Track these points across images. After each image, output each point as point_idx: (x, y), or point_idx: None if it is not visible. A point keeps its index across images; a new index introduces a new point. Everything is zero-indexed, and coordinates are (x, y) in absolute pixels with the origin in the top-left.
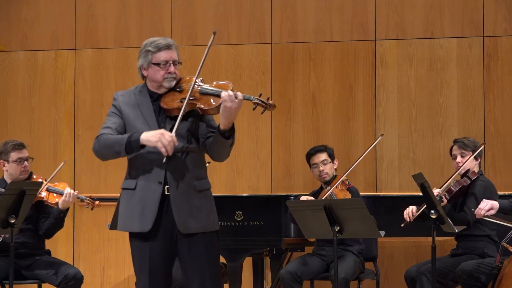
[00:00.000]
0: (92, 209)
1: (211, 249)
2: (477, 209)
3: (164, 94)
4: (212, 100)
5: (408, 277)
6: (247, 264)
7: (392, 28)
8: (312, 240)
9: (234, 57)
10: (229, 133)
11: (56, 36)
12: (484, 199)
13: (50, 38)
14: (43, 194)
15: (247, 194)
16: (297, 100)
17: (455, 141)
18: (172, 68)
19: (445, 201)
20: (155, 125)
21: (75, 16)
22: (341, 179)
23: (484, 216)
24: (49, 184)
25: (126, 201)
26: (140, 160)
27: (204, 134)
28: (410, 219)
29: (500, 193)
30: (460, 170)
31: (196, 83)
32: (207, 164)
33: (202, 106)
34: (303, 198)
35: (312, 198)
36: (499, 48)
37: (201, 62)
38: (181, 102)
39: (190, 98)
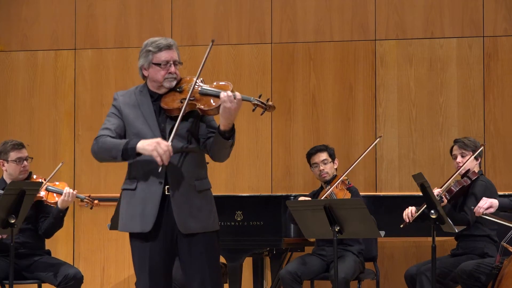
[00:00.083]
0: (91, 208)
1: (211, 249)
2: (476, 207)
3: (165, 94)
4: (212, 101)
5: (408, 277)
6: (247, 264)
7: (392, 28)
8: (312, 240)
9: (234, 57)
10: (229, 134)
11: (56, 36)
12: (484, 197)
13: (50, 38)
14: (42, 193)
15: (247, 194)
16: (297, 100)
17: (456, 141)
18: (172, 68)
19: (446, 201)
20: (155, 125)
21: (75, 16)
22: (341, 178)
23: (483, 214)
24: (48, 183)
25: (127, 202)
26: (141, 160)
27: (205, 135)
28: (409, 220)
29: (500, 193)
30: (460, 170)
31: (197, 84)
32: (206, 164)
33: (202, 106)
34: (301, 199)
35: (309, 199)
36: (499, 48)
37: (201, 65)
38: (182, 102)
39: (190, 98)
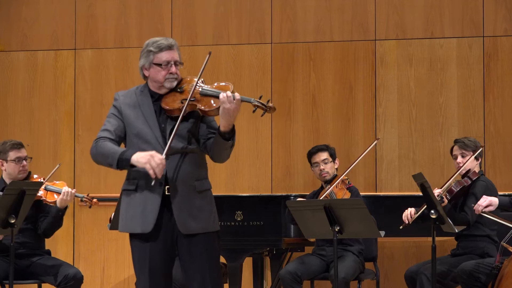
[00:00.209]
0: (90, 207)
1: (211, 250)
2: (476, 205)
3: (165, 95)
4: (212, 102)
5: (408, 277)
6: (247, 264)
7: (392, 28)
8: (312, 240)
9: (234, 57)
10: (229, 135)
11: (56, 36)
12: (484, 196)
13: (50, 38)
14: (41, 193)
15: (247, 194)
16: (297, 100)
17: (456, 141)
18: (173, 69)
19: (446, 201)
20: (155, 126)
21: (75, 16)
22: (341, 178)
23: (482, 212)
24: (47, 183)
25: (127, 202)
26: None
27: (205, 135)
28: (408, 221)
29: (500, 193)
30: (461, 170)
31: (197, 84)
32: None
33: (203, 107)
34: (298, 200)
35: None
36: (499, 48)
37: (201, 70)
38: (182, 103)
39: (191, 99)
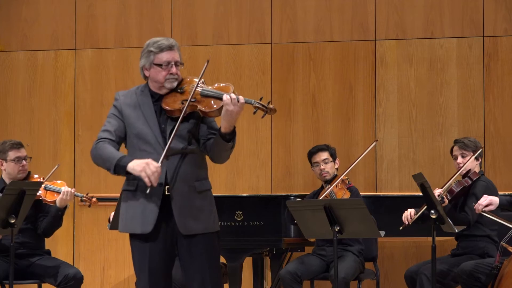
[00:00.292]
0: (89, 206)
1: (212, 250)
2: (476, 204)
3: (166, 95)
4: (213, 103)
5: (408, 277)
6: (247, 264)
7: (392, 28)
8: (312, 240)
9: (234, 57)
10: (230, 136)
11: (56, 36)
12: (484, 195)
13: (50, 38)
14: (40, 192)
15: (247, 194)
16: (297, 100)
17: (456, 142)
18: (174, 69)
19: (447, 201)
20: (156, 126)
21: (75, 16)
22: (341, 178)
23: (482, 211)
24: (46, 182)
25: (127, 203)
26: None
27: (205, 136)
28: (408, 222)
29: (500, 193)
30: (461, 170)
31: (198, 85)
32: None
33: (203, 108)
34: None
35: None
36: (499, 48)
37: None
38: (183, 103)
39: (192, 100)
